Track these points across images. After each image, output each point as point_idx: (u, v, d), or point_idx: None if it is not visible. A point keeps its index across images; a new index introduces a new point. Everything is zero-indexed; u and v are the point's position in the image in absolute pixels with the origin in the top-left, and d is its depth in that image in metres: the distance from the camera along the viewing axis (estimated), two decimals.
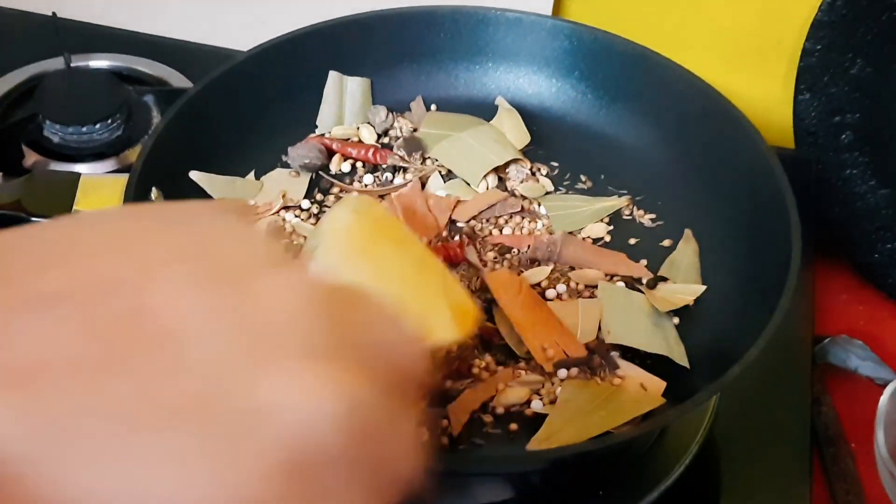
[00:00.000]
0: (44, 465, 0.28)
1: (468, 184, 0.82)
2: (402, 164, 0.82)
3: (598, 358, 0.69)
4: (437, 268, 0.64)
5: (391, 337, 0.34)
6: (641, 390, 0.67)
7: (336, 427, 0.30)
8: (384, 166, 0.83)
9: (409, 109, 0.88)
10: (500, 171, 0.82)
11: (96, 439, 0.28)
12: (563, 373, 0.69)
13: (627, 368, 0.69)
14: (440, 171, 0.82)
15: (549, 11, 0.99)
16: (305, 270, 0.33)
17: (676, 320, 0.73)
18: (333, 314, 0.32)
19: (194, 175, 0.77)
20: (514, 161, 0.83)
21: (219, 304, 0.31)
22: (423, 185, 0.81)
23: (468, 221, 0.79)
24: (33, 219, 0.75)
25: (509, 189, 0.82)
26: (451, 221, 0.80)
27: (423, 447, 0.33)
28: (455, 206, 0.80)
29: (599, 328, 0.71)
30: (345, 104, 0.86)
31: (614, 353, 0.70)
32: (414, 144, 0.83)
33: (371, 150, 0.83)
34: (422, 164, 0.83)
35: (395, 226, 0.66)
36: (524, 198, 0.81)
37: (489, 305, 0.73)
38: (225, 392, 0.30)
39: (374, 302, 0.35)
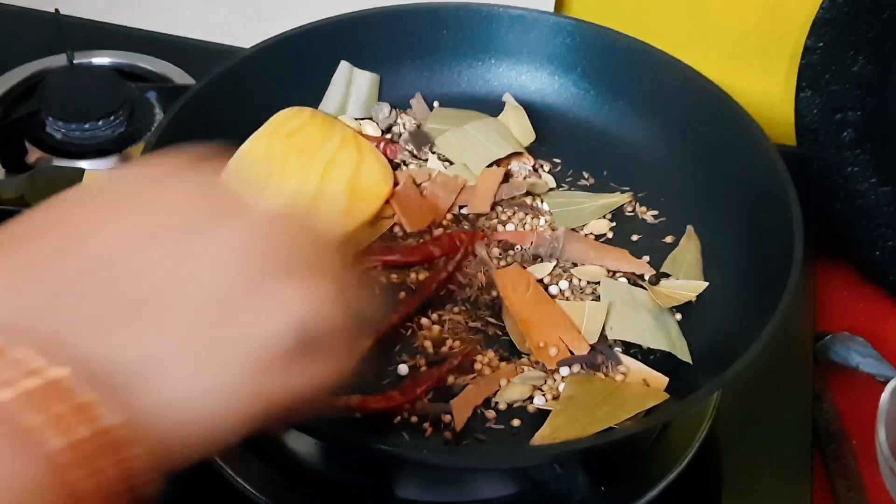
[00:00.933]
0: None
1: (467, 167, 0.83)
2: (411, 159, 0.83)
3: (600, 354, 0.69)
4: (347, 160, 0.78)
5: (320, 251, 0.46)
6: (645, 386, 0.68)
7: (306, 323, 0.42)
8: (395, 161, 0.83)
9: (411, 106, 0.88)
10: (503, 166, 0.83)
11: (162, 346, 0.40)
12: (565, 370, 0.69)
13: (630, 364, 0.69)
14: (444, 164, 0.83)
15: (551, 8, 0.99)
16: (254, 215, 0.44)
17: (679, 316, 0.73)
18: (278, 246, 0.43)
19: None
20: (518, 157, 0.83)
21: (199, 252, 0.42)
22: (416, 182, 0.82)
23: (483, 215, 0.80)
24: None
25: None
26: (458, 207, 0.80)
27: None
28: (461, 191, 0.80)
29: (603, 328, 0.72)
30: (350, 95, 0.86)
31: (617, 349, 0.70)
32: (422, 138, 0.84)
33: (381, 144, 0.83)
34: (429, 156, 0.83)
35: (310, 133, 0.79)
36: (528, 193, 0.81)
37: (494, 302, 0.73)
38: (231, 311, 0.41)
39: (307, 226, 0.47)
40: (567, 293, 0.74)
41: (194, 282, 0.41)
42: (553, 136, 0.86)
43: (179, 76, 1.01)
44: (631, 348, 0.71)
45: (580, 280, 0.75)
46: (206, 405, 0.40)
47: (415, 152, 0.83)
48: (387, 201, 0.79)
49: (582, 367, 0.69)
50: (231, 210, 0.43)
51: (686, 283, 0.74)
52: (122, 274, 0.40)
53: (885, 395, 0.75)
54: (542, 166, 0.84)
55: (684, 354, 0.69)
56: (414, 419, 0.66)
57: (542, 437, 0.64)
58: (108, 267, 0.40)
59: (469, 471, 0.70)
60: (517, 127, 0.85)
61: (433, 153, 0.84)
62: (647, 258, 0.77)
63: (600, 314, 0.72)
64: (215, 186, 0.45)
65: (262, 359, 0.41)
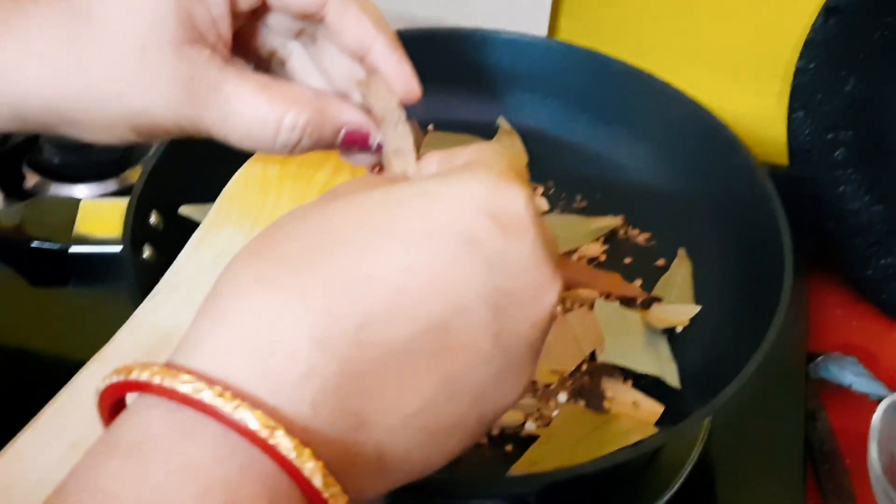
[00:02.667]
0: None
1: None
2: None
3: (586, 376, 0.70)
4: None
5: None
6: (634, 420, 0.68)
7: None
8: None
9: None
10: None
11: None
12: (562, 397, 0.69)
13: (624, 391, 0.70)
14: None
15: (544, 32, 1.00)
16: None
17: (668, 339, 0.74)
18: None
19: (185, 210, 0.77)
20: None
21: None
22: None
23: None
24: (34, 244, 0.75)
25: None
26: None
27: None
28: None
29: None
30: None
31: (612, 374, 0.71)
32: None
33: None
34: None
35: (304, 158, 0.74)
36: None
37: None
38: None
39: None
40: (559, 316, 0.75)
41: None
42: (546, 160, 0.87)
43: None
44: (625, 370, 0.71)
45: (572, 304, 0.75)
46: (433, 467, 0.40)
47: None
48: None
49: (569, 397, 0.69)
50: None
51: (678, 307, 0.75)
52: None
53: (877, 414, 0.75)
54: (535, 189, 0.84)
55: (673, 379, 0.70)
56: None
57: (521, 466, 0.65)
58: None
59: (452, 498, 0.70)
60: (511, 150, 0.86)
61: None
62: (639, 281, 0.77)
63: (588, 319, 0.73)
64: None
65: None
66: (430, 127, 0.89)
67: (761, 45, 0.99)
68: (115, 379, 0.36)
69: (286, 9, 0.52)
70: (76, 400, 0.57)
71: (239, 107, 0.49)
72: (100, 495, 0.33)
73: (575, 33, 1.04)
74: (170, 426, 0.34)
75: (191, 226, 0.75)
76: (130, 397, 0.37)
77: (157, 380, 0.34)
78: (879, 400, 0.78)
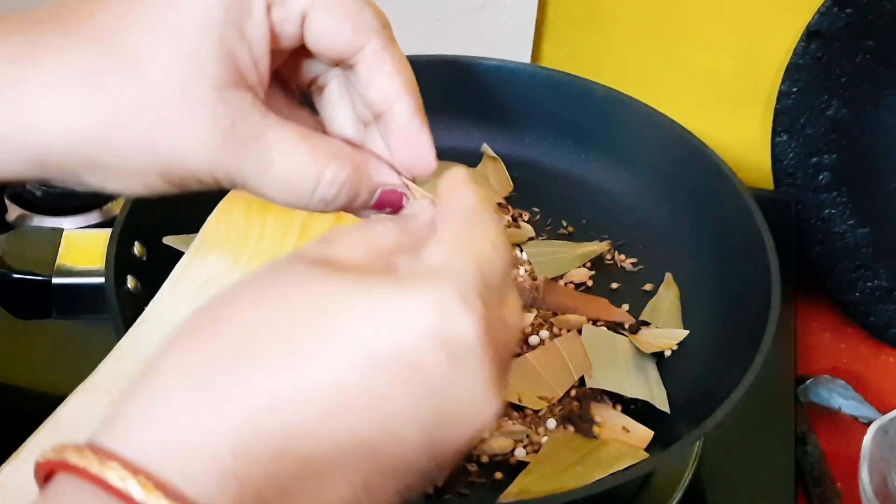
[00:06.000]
0: None
1: None
2: None
3: (575, 402, 0.70)
4: (326, 217, 0.71)
5: None
6: (624, 445, 0.67)
7: None
8: None
9: None
10: None
11: None
12: (552, 423, 0.69)
13: (613, 416, 0.69)
14: None
15: (527, 59, 1.00)
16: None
17: (657, 364, 0.73)
18: None
19: (168, 240, 0.77)
20: (496, 208, 0.83)
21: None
22: None
23: None
24: (15, 275, 0.75)
25: None
26: None
27: None
28: None
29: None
30: None
31: (601, 399, 0.70)
32: None
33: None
34: None
35: None
36: None
37: None
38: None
39: None
40: (547, 343, 0.74)
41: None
42: (531, 186, 0.87)
43: None
44: (613, 395, 0.71)
45: (560, 330, 0.75)
46: None
47: None
48: None
49: (559, 423, 0.69)
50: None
51: (666, 332, 0.74)
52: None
53: (867, 437, 0.75)
54: (520, 216, 0.84)
55: (662, 404, 0.69)
56: None
57: (511, 494, 0.64)
58: None
59: None
60: (495, 177, 0.86)
61: None
62: (626, 306, 0.77)
63: (576, 344, 0.73)
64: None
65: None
66: None
67: (744, 69, 0.99)
68: (50, 457, 0.36)
69: (319, 55, 0.49)
70: (60, 432, 0.56)
71: (280, 158, 0.47)
72: None
73: (558, 60, 1.04)
74: None
75: (174, 256, 0.75)
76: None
77: (91, 468, 0.34)
78: (869, 423, 0.77)
